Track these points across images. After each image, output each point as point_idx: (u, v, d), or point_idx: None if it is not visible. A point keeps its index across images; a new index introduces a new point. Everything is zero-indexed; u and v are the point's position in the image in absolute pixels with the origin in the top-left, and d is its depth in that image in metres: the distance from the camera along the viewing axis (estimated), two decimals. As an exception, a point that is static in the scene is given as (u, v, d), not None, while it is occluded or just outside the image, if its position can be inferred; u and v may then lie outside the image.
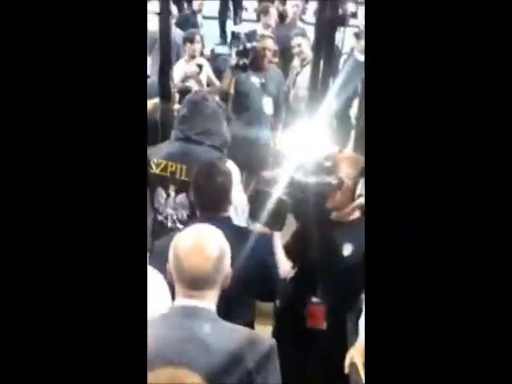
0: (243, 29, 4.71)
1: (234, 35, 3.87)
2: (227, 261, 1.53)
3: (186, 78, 4.17)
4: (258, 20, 5.45)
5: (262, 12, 5.35)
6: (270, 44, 3.93)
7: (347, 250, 2.19)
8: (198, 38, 4.50)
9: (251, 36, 4.46)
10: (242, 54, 3.59)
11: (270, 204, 2.03)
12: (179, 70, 4.27)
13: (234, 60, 3.63)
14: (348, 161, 2.29)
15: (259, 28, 5.25)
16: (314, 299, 2.22)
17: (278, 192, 2.07)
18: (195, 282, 1.48)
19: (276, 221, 2.08)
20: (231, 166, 2.45)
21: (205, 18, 6.57)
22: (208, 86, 4.52)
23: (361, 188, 2.24)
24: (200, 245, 1.50)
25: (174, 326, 1.46)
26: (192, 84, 4.11)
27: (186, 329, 1.44)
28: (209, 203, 2.08)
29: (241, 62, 3.58)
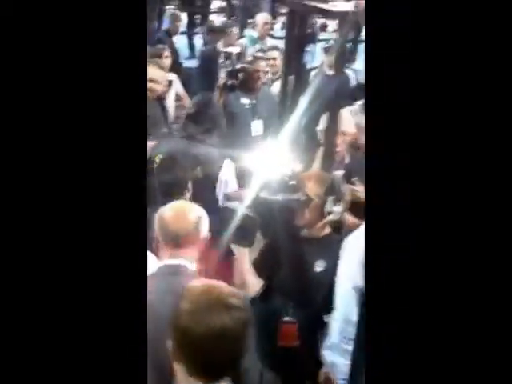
0: (235, 49, 4.71)
1: (225, 55, 3.87)
2: (205, 225, 1.89)
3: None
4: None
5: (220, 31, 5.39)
6: (263, 66, 3.94)
7: (319, 266, 2.21)
8: (166, 53, 4.45)
9: (241, 56, 4.46)
10: (232, 74, 3.57)
11: (238, 220, 2.03)
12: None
13: (222, 80, 3.63)
14: (314, 178, 2.33)
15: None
16: (286, 318, 2.19)
17: (244, 209, 2.06)
18: (178, 240, 1.80)
19: (245, 237, 2.07)
20: (228, 163, 2.74)
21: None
22: (177, 100, 4.48)
23: (329, 205, 2.27)
24: (182, 209, 1.90)
25: (161, 282, 1.76)
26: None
27: (169, 283, 1.73)
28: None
29: (229, 82, 3.56)
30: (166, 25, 6.21)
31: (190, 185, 2.56)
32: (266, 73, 3.99)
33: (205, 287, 1.31)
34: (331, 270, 2.19)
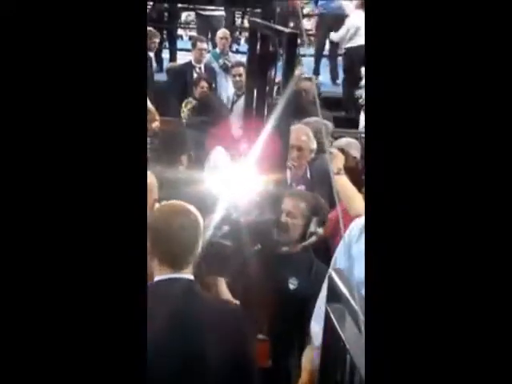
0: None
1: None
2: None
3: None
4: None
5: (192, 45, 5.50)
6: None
7: (293, 284, 2.21)
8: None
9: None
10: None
11: (210, 250, 1.95)
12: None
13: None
14: (298, 198, 2.30)
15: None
16: (260, 336, 2.16)
17: (215, 237, 2.01)
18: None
19: (220, 266, 2.03)
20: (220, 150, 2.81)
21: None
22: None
23: (313, 226, 2.25)
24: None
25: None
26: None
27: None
28: None
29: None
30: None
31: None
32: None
33: (172, 204, 1.83)
34: (305, 287, 2.19)
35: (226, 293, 2.10)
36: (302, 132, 3.14)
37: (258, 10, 5.40)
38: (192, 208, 1.78)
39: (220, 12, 6.54)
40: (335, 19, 6.63)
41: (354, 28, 6.02)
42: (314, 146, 3.15)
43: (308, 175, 3.15)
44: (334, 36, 6.32)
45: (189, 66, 5.31)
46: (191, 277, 1.76)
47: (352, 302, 1.21)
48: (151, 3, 6.76)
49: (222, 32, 5.89)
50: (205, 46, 5.35)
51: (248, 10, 6.26)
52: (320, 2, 7.16)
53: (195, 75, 5.15)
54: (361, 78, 6.02)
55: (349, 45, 6.17)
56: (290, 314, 2.15)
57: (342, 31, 6.17)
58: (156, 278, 1.74)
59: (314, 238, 2.28)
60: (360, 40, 5.96)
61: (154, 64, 5.77)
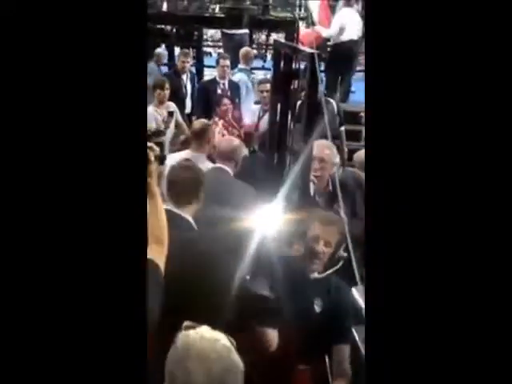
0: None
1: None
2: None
3: (158, 124, 4.33)
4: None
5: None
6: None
7: (318, 305, 2.18)
8: (167, 84, 4.70)
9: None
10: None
11: (252, 304, 1.90)
12: (149, 114, 4.45)
13: None
14: (324, 224, 2.22)
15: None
16: (300, 366, 2.15)
17: (253, 287, 1.94)
18: None
19: (272, 320, 1.97)
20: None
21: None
22: (176, 127, 4.70)
23: (341, 251, 2.23)
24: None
25: None
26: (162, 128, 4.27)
27: None
28: None
29: None
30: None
31: None
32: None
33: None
34: (328, 307, 2.17)
35: (275, 341, 2.00)
36: (324, 145, 3.18)
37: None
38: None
39: (245, 30, 6.62)
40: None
41: (343, 25, 6.08)
42: (337, 159, 3.20)
43: (331, 188, 3.16)
44: (324, 32, 6.33)
45: (213, 83, 5.43)
46: None
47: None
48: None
49: (246, 50, 5.97)
50: (228, 62, 5.43)
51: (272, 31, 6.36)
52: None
53: (219, 91, 5.26)
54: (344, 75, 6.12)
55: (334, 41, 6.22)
56: (321, 337, 2.13)
57: (334, 28, 6.19)
58: None
59: (341, 263, 2.27)
60: (345, 36, 6.07)
61: (189, 85, 5.85)
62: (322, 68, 5.59)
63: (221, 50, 7.83)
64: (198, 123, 3.68)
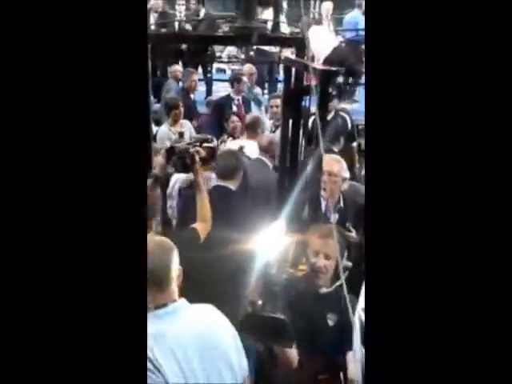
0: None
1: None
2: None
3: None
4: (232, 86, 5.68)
5: (235, 79, 5.61)
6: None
7: (331, 319, 2.19)
8: (181, 104, 4.73)
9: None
10: None
11: (267, 326, 1.91)
12: (163, 133, 4.48)
13: None
14: (321, 236, 2.22)
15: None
16: (320, 376, 2.19)
17: (272, 314, 1.92)
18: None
19: (289, 341, 1.99)
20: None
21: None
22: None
23: (345, 261, 2.23)
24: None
25: None
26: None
27: None
28: None
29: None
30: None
31: None
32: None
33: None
34: (340, 320, 2.17)
35: (296, 358, 2.07)
36: (334, 160, 3.18)
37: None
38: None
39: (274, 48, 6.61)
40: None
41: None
42: (347, 175, 3.17)
43: (342, 204, 3.13)
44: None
45: (227, 99, 5.44)
46: None
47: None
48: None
49: (249, 67, 5.94)
50: (245, 79, 5.46)
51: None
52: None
53: (234, 108, 5.27)
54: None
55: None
56: (337, 348, 2.13)
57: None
58: None
59: (346, 273, 2.25)
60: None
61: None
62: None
63: (235, 67, 7.86)
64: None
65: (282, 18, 5.70)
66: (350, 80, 6.58)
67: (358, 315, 1.99)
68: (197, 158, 2.55)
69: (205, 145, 2.78)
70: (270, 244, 2.01)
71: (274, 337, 1.94)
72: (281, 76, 7.27)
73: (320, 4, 6.99)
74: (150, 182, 2.52)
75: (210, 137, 3.31)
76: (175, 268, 1.73)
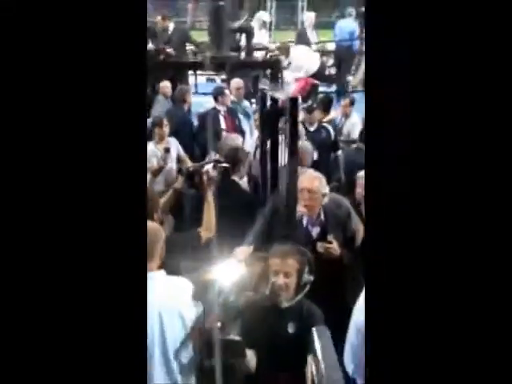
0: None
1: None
2: None
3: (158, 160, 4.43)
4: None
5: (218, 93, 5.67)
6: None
7: (291, 327, 2.27)
8: (165, 121, 4.79)
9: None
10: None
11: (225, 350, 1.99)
12: (149, 151, 4.55)
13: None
14: (280, 257, 2.31)
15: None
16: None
17: (228, 336, 2.04)
18: None
19: (238, 359, 2.08)
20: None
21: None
22: (178, 161, 4.78)
23: (306, 276, 2.31)
24: None
25: None
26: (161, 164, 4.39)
27: None
28: None
29: None
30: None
31: None
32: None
33: None
34: (299, 328, 2.26)
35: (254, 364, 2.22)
36: (312, 176, 3.21)
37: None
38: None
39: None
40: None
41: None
42: (326, 190, 3.19)
43: (322, 217, 3.19)
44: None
45: (214, 111, 5.52)
46: None
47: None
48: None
49: (236, 82, 5.95)
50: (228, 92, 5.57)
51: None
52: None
53: (222, 119, 5.36)
54: None
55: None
56: (294, 357, 2.18)
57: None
58: None
59: (307, 288, 2.34)
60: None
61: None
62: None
63: (223, 76, 7.91)
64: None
65: (255, 40, 5.77)
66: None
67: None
68: (204, 177, 2.98)
69: (219, 165, 3.20)
70: (228, 272, 2.14)
71: (231, 356, 2.04)
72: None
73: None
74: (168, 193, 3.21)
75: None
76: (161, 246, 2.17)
